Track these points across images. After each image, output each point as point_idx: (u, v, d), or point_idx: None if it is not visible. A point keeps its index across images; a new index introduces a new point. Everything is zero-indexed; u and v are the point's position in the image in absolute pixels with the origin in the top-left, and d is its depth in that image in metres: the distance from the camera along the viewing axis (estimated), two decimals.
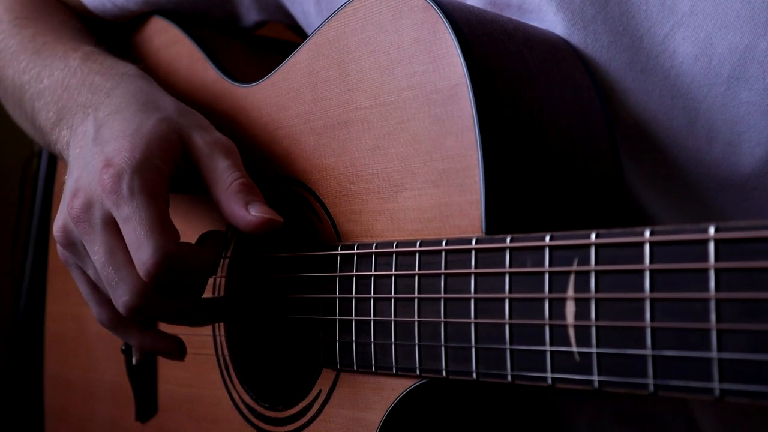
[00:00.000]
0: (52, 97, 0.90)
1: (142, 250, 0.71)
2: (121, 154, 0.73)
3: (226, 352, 0.89)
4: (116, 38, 1.09)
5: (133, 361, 0.99)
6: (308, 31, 0.99)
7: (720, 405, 0.80)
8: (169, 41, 1.00)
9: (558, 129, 0.71)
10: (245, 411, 0.86)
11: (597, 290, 0.55)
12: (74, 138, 0.82)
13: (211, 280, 0.90)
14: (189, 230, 0.91)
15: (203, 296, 0.81)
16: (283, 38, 1.13)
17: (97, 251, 0.74)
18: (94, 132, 0.79)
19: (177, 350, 0.82)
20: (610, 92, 0.76)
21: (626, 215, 0.73)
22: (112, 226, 0.73)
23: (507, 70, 0.69)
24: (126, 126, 0.76)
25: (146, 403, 1.00)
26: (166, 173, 0.75)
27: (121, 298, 0.74)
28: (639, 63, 0.75)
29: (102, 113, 0.80)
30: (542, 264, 0.58)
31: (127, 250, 0.72)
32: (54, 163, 1.39)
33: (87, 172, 0.75)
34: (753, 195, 0.76)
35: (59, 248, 0.79)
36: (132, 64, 0.89)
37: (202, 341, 0.92)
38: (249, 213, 0.74)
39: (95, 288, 0.80)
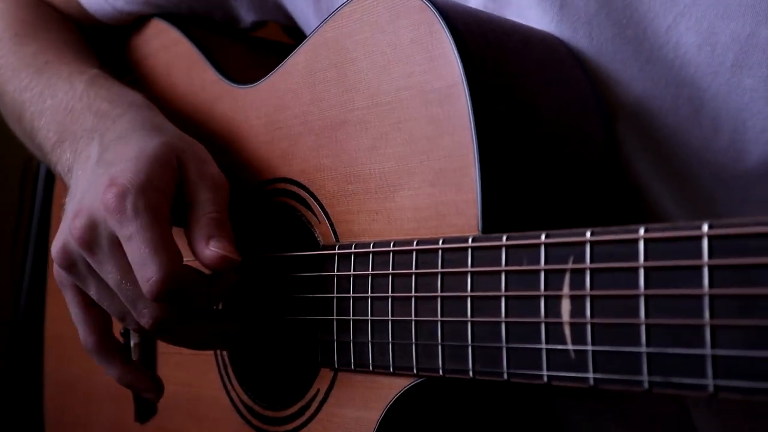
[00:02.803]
0: (54, 118, 0.91)
1: (146, 269, 0.71)
2: (124, 175, 0.74)
3: (224, 353, 0.89)
4: (114, 42, 1.09)
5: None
6: (306, 30, 0.99)
7: (717, 404, 0.80)
8: (168, 43, 1.01)
9: (555, 128, 0.71)
10: (243, 411, 0.86)
11: (592, 287, 0.55)
12: (77, 161, 0.83)
13: None
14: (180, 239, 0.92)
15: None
16: (279, 40, 1.13)
17: (110, 271, 0.74)
18: (97, 155, 0.80)
19: (154, 390, 0.84)
20: (616, 83, 0.77)
21: (627, 212, 0.74)
22: (118, 245, 0.74)
23: (503, 69, 0.69)
24: (129, 149, 0.77)
25: (146, 403, 1.00)
26: (168, 194, 0.76)
27: (143, 310, 0.74)
28: (644, 53, 0.76)
29: (107, 138, 0.81)
30: (538, 262, 0.59)
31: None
32: None
33: (90, 192, 0.76)
34: (760, 183, 0.76)
35: (55, 268, 0.80)
36: (139, 93, 0.90)
37: None
38: (208, 248, 0.74)
39: (87, 310, 0.81)
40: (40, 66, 0.97)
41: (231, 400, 0.88)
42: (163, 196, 0.75)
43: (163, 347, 0.99)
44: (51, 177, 1.40)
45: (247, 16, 1.05)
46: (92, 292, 0.78)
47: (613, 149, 0.76)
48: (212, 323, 0.80)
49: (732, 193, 0.77)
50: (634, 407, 0.83)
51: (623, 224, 0.73)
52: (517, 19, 0.78)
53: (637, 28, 0.76)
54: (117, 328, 0.92)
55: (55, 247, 0.78)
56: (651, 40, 0.76)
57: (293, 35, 1.11)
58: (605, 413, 0.83)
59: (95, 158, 0.80)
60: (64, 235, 0.77)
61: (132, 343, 0.99)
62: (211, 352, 0.91)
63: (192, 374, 0.94)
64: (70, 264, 0.77)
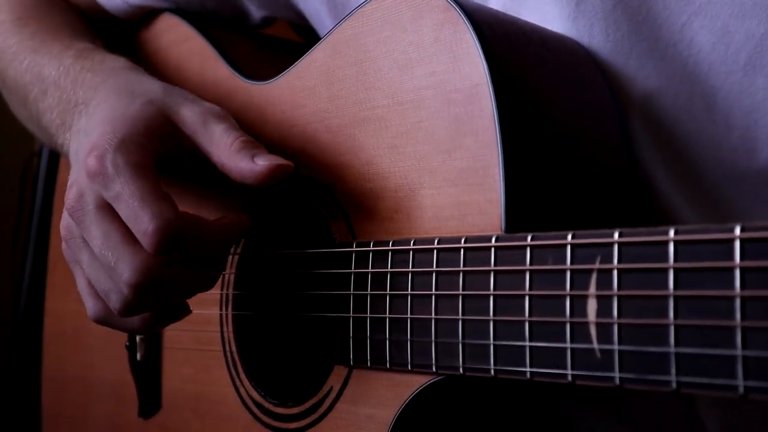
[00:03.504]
0: (53, 98, 0.91)
1: (139, 221, 0.70)
2: (103, 137, 0.73)
3: (234, 349, 0.89)
4: (124, 36, 1.09)
5: (138, 357, 0.99)
6: (318, 28, 0.99)
7: (727, 405, 0.80)
8: (179, 38, 1.01)
9: (574, 129, 0.72)
10: (253, 408, 0.86)
11: (620, 288, 0.56)
12: (73, 137, 0.83)
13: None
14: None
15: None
16: (288, 38, 1.13)
17: (93, 236, 0.73)
18: (84, 126, 0.80)
19: (183, 311, 0.79)
20: (631, 79, 0.78)
21: (640, 209, 0.74)
22: (104, 209, 0.73)
23: (526, 71, 0.70)
24: (109, 112, 0.77)
25: (150, 399, 0.99)
26: (151, 150, 0.74)
27: (121, 277, 0.71)
28: (658, 51, 0.77)
29: (90, 108, 0.81)
30: (564, 262, 0.59)
31: (124, 230, 0.72)
32: (54, 163, 1.39)
33: (77, 163, 0.77)
34: None
35: (63, 245, 0.79)
36: (121, 57, 0.90)
37: (209, 337, 0.92)
38: (257, 164, 0.73)
39: (90, 283, 0.78)
40: (36, 46, 0.97)
41: (240, 396, 0.88)
42: (144, 151, 0.74)
43: (168, 343, 0.98)
44: (51, 177, 1.39)
45: (256, 12, 1.05)
46: (85, 265, 0.76)
47: (629, 149, 0.76)
48: (203, 276, 0.76)
49: (743, 192, 0.78)
50: (641, 408, 0.84)
51: (637, 221, 0.75)
52: (535, 15, 0.79)
53: (652, 25, 0.77)
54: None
55: (61, 224, 0.77)
56: (666, 37, 0.77)
57: (302, 33, 1.11)
58: (612, 415, 0.84)
59: (83, 130, 0.80)
60: (64, 210, 0.76)
61: (137, 339, 0.99)
62: (219, 349, 0.91)
63: (198, 370, 0.94)
64: (72, 237, 0.77)
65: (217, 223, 0.76)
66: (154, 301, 0.75)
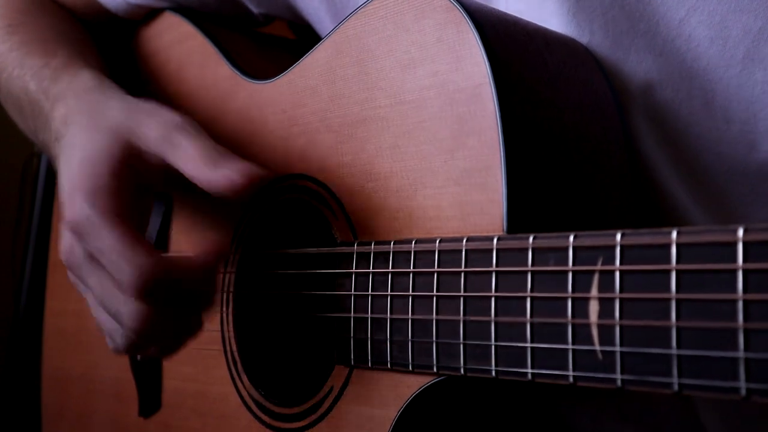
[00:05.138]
0: (41, 120, 0.91)
1: (121, 272, 0.70)
2: (73, 188, 0.74)
3: (234, 348, 0.89)
4: (124, 35, 1.09)
5: (138, 356, 0.99)
6: (317, 28, 0.99)
7: (726, 404, 0.80)
8: (180, 37, 1.00)
9: (576, 130, 0.71)
10: (254, 407, 0.86)
11: (622, 290, 0.56)
12: (59, 172, 0.83)
13: (219, 276, 0.90)
14: (195, 234, 0.92)
15: None
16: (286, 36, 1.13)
17: (91, 286, 0.75)
18: (65, 165, 0.79)
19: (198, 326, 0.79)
20: (631, 75, 0.78)
21: (644, 207, 0.74)
22: (94, 259, 0.74)
23: (529, 71, 0.70)
24: (78, 154, 0.77)
25: (150, 398, 0.99)
26: (122, 191, 0.74)
27: (123, 323, 0.74)
28: (657, 47, 0.77)
29: (65, 145, 0.81)
30: (566, 263, 0.59)
31: (114, 279, 0.73)
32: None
33: (62, 207, 0.76)
34: None
35: (69, 273, 0.80)
36: (88, 71, 0.89)
37: (210, 337, 0.91)
38: (215, 171, 0.71)
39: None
40: (23, 58, 0.97)
41: (240, 396, 0.88)
42: (115, 197, 0.73)
43: None
44: (51, 177, 1.40)
45: (256, 10, 1.04)
46: (90, 303, 0.79)
47: (631, 147, 0.76)
48: (194, 308, 0.77)
49: (746, 186, 0.78)
50: (641, 407, 0.84)
51: (640, 218, 0.74)
52: (535, 11, 0.79)
53: (650, 21, 0.77)
54: None
55: (60, 254, 0.78)
56: (664, 33, 0.77)
57: (299, 32, 1.11)
58: (611, 414, 0.84)
59: (64, 169, 0.79)
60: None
61: None
62: (220, 348, 0.91)
63: (199, 370, 0.93)
64: (72, 272, 0.78)
65: (196, 258, 0.74)
66: (155, 341, 0.77)
